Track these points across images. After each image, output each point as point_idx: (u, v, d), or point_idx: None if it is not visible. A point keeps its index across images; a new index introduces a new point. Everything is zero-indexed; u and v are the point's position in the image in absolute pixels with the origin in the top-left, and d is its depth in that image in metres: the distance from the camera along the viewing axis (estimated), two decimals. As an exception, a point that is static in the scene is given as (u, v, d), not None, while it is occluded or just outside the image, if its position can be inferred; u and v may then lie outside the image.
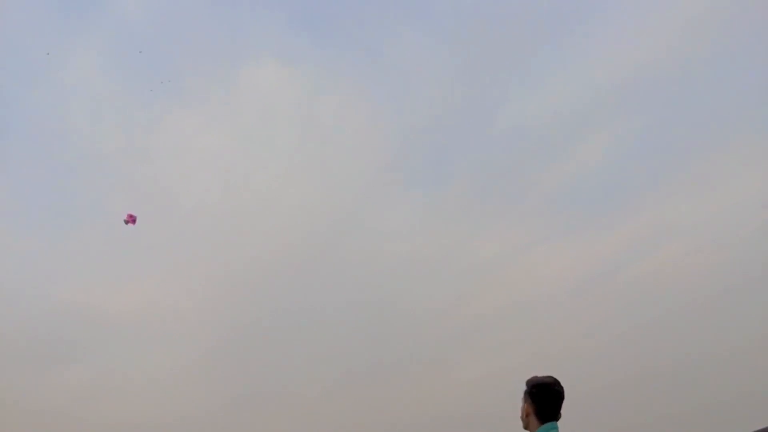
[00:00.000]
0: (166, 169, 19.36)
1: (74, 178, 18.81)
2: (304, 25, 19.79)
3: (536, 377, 2.91)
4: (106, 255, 18.19)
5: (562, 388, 2.87)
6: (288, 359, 17.56)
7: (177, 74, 19.25)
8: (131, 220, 11.60)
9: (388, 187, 19.93)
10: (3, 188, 17.92)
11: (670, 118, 18.52)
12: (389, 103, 20.08)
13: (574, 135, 19.22)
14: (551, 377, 2.90)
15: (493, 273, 18.63)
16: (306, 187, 19.72)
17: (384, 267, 18.90)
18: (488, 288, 18.45)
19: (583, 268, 17.90)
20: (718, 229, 16.85)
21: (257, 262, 18.96)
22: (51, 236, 18.24)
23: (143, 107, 19.08)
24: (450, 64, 19.73)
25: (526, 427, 2.92)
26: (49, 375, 16.99)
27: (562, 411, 2.88)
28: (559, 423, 2.82)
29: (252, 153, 19.84)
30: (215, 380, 17.50)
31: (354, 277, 18.80)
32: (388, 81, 20.04)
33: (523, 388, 2.94)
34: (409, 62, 19.79)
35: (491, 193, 19.28)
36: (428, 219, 19.47)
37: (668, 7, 18.22)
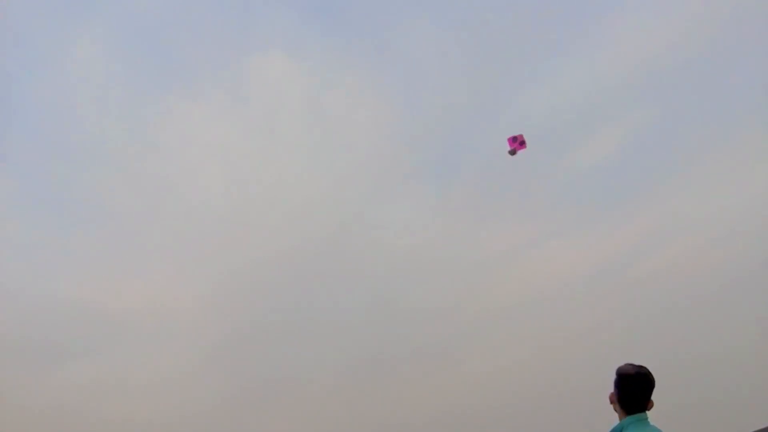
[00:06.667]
0: (172, 163, 19.24)
1: (78, 171, 18.70)
2: (313, 17, 19.53)
3: (623, 366, 2.92)
4: (111, 251, 18.13)
5: (646, 378, 2.84)
6: (294, 355, 17.46)
7: (184, 66, 19.11)
8: (516, 144, 9.42)
9: (396, 181, 19.72)
10: (6, 182, 17.84)
11: (683, 111, 18.16)
12: (397, 96, 19.84)
13: (584, 128, 18.90)
14: (636, 366, 2.89)
15: (502, 267, 18.41)
16: (313, 180, 19.55)
17: (392, 262, 18.72)
18: (498, 282, 18.25)
19: (594, 263, 17.64)
20: (731, 224, 16.52)
21: (264, 257, 18.85)
22: (55, 231, 18.15)
23: (149, 99, 18.95)
24: (459, 57, 19.46)
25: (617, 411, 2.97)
26: (53, 372, 16.94)
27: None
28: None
29: (259, 146, 19.68)
30: (221, 377, 17.44)
31: (361, 272, 18.65)
32: (396, 74, 19.78)
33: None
34: (418, 55, 19.54)
35: (501, 187, 18.99)
36: (437, 213, 19.26)
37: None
